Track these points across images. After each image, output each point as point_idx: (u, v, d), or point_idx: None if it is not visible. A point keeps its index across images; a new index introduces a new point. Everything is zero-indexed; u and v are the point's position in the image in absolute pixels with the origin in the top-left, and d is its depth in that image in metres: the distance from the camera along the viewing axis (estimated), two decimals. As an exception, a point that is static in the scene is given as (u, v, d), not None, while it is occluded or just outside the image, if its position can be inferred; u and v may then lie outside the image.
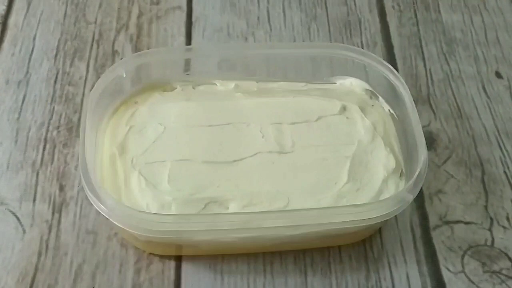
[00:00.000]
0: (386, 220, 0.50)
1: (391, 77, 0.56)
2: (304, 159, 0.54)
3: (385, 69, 0.57)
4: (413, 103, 0.54)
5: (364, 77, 0.59)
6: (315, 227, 0.50)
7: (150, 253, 0.53)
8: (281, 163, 0.54)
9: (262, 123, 0.56)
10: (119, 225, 0.48)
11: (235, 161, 0.54)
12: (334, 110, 0.58)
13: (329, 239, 0.53)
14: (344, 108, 0.58)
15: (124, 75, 0.56)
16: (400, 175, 0.54)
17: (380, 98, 0.58)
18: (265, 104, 0.58)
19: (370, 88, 0.59)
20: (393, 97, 0.57)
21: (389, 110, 0.58)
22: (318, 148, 0.55)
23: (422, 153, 0.51)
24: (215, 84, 0.59)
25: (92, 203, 0.48)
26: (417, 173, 0.50)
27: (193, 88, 0.59)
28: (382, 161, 0.54)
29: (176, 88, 0.59)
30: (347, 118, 0.57)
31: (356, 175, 0.53)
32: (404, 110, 0.55)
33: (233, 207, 0.51)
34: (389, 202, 0.49)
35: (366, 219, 0.49)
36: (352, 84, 0.60)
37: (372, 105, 0.58)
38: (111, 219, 0.48)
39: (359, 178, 0.53)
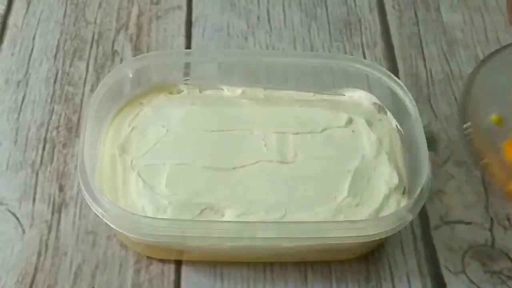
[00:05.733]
0: (386, 237, 0.50)
1: (400, 92, 0.56)
2: (305, 170, 0.54)
3: (394, 84, 0.56)
4: (420, 119, 0.54)
5: (374, 91, 0.58)
6: (309, 241, 0.49)
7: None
8: (281, 173, 0.53)
9: (266, 132, 0.55)
10: (113, 226, 0.48)
11: (234, 168, 0.53)
12: (340, 122, 0.57)
13: (325, 253, 0.53)
14: (350, 121, 0.57)
15: (131, 75, 0.56)
16: (403, 193, 0.53)
17: (389, 113, 0.58)
18: (271, 113, 0.57)
19: (379, 102, 0.58)
20: (401, 113, 0.56)
21: (396, 125, 0.57)
22: (320, 160, 0.54)
23: (425, 172, 0.50)
24: (222, 89, 0.59)
25: (88, 203, 0.48)
26: (418, 192, 0.49)
27: (200, 92, 0.59)
28: (385, 177, 0.53)
29: (183, 91, 0.59)
30: (352, 131, 0.56)
31: (357, 190, 0.53)
32: (411, 126, 0.55)
33: (229, 215, 0.51)
34: (386, 220, 0.49)
35: (362, 236, 0.48)
36: (361, 97, 0.59)
37: (380, 120, 0.58)
38: (105, 220, 0.48)
39: (360, 193, 0.53)
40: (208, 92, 0.59)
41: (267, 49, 0.68)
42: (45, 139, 0.60)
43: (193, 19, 0.70)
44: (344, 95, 0.59)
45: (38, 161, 0.58)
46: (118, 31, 0.68)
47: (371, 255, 0.54)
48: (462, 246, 0.55)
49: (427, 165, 0.51)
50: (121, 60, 0.66)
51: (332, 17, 0.71)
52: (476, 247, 0.55)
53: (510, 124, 0.58)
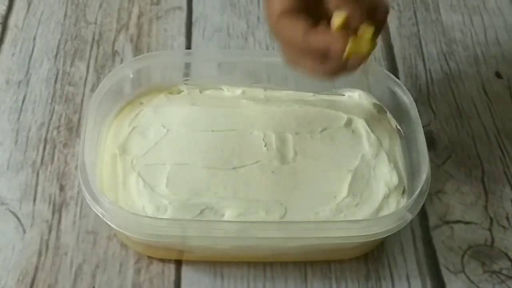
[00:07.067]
0: (385, 237, 0.50)
1: (399, 92, 0.56)
2: (305, 170, 0.54)
3: (394, 84, 0.56)
4: (419, 119, 0.54)
5: (374, 91, 0.59)
6: (309, 241, 0.49)
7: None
8: (281, 173, 0.53)
9: (266, 132, 0.56)
10: (113, 226, 0.48)
11: (235, 168, 0.54)
12: (340, 122, 0.57)
13: (324, 253, 0.53)
14: (350, 121, 0.57)
15: (131, 76, 0.56)
16: (403, 192, 0.53)
17: (388, 113, 0.58)
18: (271, 113, 0.57)
19: (378, 103, 0.59)
20: (401, 113, 0.57)
21: (396, 125, 0.57)
22: (320, 160, 0.54)
23: (425, 171, 0.50)
24: (222, 89, 0.59)
25: (89, 203, 0.49)
26: (417, 192, 0.50)
27: (200, 92, 0.59)
28: (385, 177, 0.54)
29: (183, 91, 0.59)
30: (352, 131, 0.56)
31: (356, 189, 0.53)
32: (410, 126, 0.55)
33: (229, 215, 0.51)
34: (386, 220, 0.49)
35: (362, 235, 0.48)
36: (361, 97, 0.59)
37: (380, 120, 0.58)
38: (105, 220, 0.48)
39: (360, 193, 0.53)
40: (208, 92, 0.59)
41: (267, 49, 0.68)
42: (45, 139, 0.60)
43: (193, 19, 0.70)
44: (344, 95, 0.60)
45: (39, 161, 0.58)
46: (118, 32, 0.68)
47: (370, 254, 0.54)
48: (462, 246, 0.55)
49: (427, 165, 0.51)
50: (122, 60, 0.66)
51: (332, 18, 0.71)
52: (476, 246, 0.55)
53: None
